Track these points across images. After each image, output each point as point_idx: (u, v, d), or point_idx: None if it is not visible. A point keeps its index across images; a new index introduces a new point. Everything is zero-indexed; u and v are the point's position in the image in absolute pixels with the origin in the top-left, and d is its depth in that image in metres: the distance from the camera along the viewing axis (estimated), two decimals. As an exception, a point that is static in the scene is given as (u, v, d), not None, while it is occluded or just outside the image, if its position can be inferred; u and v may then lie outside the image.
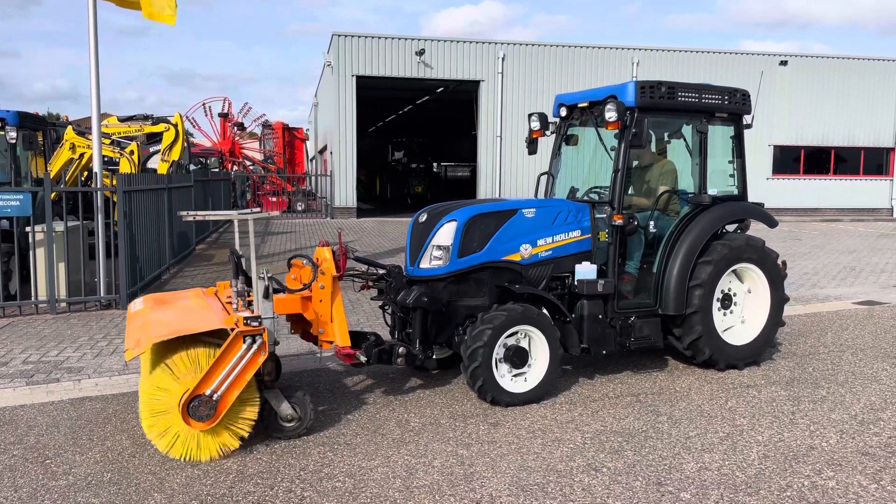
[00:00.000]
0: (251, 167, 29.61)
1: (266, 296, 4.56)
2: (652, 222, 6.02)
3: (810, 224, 22.94)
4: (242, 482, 3.97)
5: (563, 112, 6.49)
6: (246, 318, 4.25)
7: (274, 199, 25.64)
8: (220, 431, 4.23)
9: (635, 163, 6.31)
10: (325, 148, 32.44)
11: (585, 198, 6.35)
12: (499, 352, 5.15)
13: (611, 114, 5.52)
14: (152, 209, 10.13)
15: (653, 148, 6.41)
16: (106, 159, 15.12)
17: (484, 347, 5.02)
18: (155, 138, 16.72)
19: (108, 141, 14.47)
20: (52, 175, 10.07)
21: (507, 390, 5.17)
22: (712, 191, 6.21)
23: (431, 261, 5.38)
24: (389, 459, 4.29)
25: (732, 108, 6.21)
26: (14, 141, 9.67)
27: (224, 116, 28.60)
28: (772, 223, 6.64)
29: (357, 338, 5.24)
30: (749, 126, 6.46)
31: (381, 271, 5.55)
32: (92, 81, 8.52)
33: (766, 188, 25.53)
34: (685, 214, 6.10)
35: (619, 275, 5.80)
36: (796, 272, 12.02)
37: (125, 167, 13.02)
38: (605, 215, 5.81)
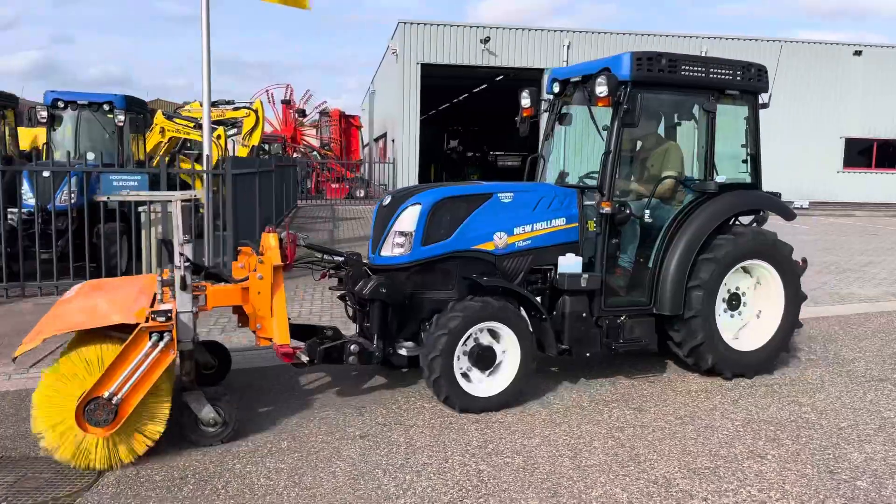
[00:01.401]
0: (311, 154, 30.02)
1: (183, 287, 4.02)
2: (648, 211, 5.36)
3: (883, 219, 22.25)
4: (415, 454, 4.10)
5: (557, 88, 5.73)
6: (153, 312, 3.82)
7: (336, 185, 25.95)
8: (123, 438, 3.80)
9: (640, 144, 5.73)
10: (382, 136, 32.69)
11: (580, 183, 5.69)
12: (461, 357, 4.67)
13: (601, 88, 4.88)
14: (249, 191, 10.41)
15: (661, 130, 5.77)
16: (191, 143, 15.63)
17: (442, 356, 4.53)
18: (227, 123, 17.12)
19: (191, 125, 14.91)
20: (143, 157, 10.46)
21: (476, 396, 4.71)
22: (720, 178, 5.54)
23: (393, 248, 4.88)
24: (548, 439, 4.38)
25: (745, 84, 5.46)
26: (122, 124, 10.03)
27: (286, 103, 29.05)
28: (788, 215, 5.93)
29: (312, 332, 4.89)
30: (765, 105, 5.67)
31: (339, 259, 5.07)
32: (204, 72, 8.74)
33: (836, 182, 24.94)
34: (687, 203, 5.45)
35: (608, 269, 5.21)
36: (886, 268, 11.74)
37: (212, 151, 13.37)
38: (594, 202, 5.24)
